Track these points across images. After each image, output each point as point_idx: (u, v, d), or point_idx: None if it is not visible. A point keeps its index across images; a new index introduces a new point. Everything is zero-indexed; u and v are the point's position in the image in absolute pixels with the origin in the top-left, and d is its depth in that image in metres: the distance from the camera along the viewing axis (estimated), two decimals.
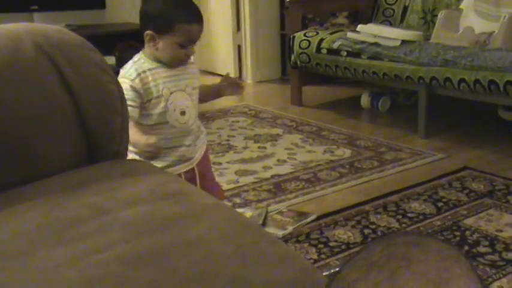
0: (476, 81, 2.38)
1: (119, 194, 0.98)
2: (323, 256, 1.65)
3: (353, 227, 1.83)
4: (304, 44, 3.29)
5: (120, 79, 1.41)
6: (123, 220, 0.87)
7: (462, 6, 2.91)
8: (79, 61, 1.17)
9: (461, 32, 2.77)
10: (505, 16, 2.58)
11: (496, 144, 2.65)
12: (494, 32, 2.61)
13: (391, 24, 3.44)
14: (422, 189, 2.12)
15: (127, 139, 1.23)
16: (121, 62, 3.28)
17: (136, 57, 1.52)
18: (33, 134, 1.09)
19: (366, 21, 3.45)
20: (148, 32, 1.47)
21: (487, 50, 2.47)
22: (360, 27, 3.08)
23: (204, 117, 3.35)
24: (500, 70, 2.29)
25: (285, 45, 3.96)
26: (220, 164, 2.51)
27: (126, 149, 1.26)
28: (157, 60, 1.50)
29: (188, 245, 0.80)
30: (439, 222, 1.85)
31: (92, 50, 1.20)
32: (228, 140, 2.86)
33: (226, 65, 4.60)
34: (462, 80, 2.44)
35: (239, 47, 4.50)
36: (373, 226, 1.83)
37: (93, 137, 1.18)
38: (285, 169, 2.41)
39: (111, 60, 3.20)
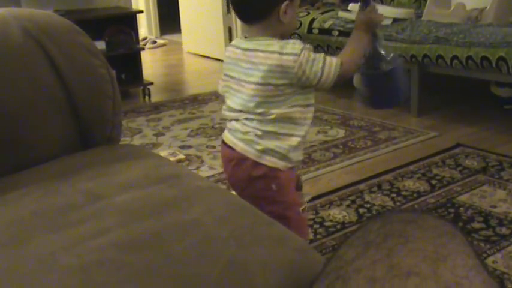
0: (469, 57, 2.38)
1: (113, 179, 0.97)
2: (319, 236, 1.66)
3: (348, 206, 1.84)
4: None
5: (305, 50, 1.19)
6: (118, 205, 0.87)
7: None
8: (68, 45, 1.15)
9: (453, 9, 2.76)
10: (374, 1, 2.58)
11: (489, 120, 2.66)
12: (486, 7, 2.60)
13: (382, 3, 3.42)
14: (416, 167, 2.13)
15: (119, 123, 1.22)
16: (111, 46, 3.26)
17: (279, 42, 1.21)
18: (23, 120, 1.08)
19: (357, 0, 3.42)
20: (286, 2, 1.20)
21: (479, 26, 2.46)
22: (351, 6, 3.06)
23: (197, 100, 3.34)
24: (493, 46, 2.29)
25: None
26: (213, 146, 2.50)
27: (119, 133, 1.25)
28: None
29: (184, 228, 0.80)
30: (433, 200, 1.86)
31: (81, 34, 1.18)
32: (220, 123, 2.85)
33: (216, 48, 4.57)
34: (455, 57, 2.43)
35: (230, 28, 4.46)
36: (368, 205, 1.84)
37: (84, 122, 1.16)
38: None
39: (101, 45, 3.16)
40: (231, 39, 4.46)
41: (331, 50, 3.09)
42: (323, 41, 3.11)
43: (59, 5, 3.38)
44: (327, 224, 1.73)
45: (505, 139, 2.40)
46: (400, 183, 1.99)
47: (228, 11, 4.42)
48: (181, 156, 2.37)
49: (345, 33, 2.97)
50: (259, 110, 1.21)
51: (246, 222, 0.83)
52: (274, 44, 1.20)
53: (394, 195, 1.91)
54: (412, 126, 2.61)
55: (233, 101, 1.27)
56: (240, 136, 1.24)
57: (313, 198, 1.91)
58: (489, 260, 1.48)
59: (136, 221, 0.82)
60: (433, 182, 1.99)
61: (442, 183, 1.97)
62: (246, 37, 1.27)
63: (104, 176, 0.99)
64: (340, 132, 2.61)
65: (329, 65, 1.20)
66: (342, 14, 3.08)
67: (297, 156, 1.27)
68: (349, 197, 1.91)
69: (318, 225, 1.72)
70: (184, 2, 4.96)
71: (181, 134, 2.72)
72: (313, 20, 3.18)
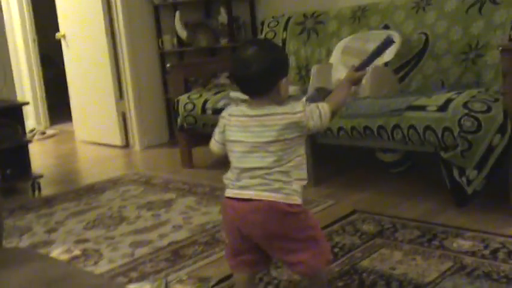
0: (353, 128, 2.54)
1: None
2: None
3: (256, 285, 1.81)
4: (189, 107, 3.32)
5: (306, 106, 1.49)
6: None
7: (331, 60, 3.13)
8: None
9: (334, 84, 2.96)
10: (368, 68, 2.81)
11: (379, 185, 2.82)
12: (362, 82, 2.83)
13: None
14: None
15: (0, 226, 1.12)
16: None
17: (284, 108, 1.47)
18: None
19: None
20: (284, 79, 1.48)
21: (358, 99, 2.65)
22: None
23: (93, 189, 3.20)
24: (372, 116, 2.47)
25: (170, 109, 3.96)
26: (113, 237, 2.38)
27: (1, 237, 1.14)
28: None
29: None
30: (337, 268, 1.88)
31: None
32: (119, 212, 2.74)
33: (111, 134, 4.49)
34: (341, 128, 2.58)
35: (123, 114, 4.42)
36: (276, 281, 1.82)
37: None
38: (181, 235, 2.35)
39: None
40: (125, 125, 4.41)
41: None
42: (217, 120, 3.16)
43: None
44: None
45: (395, 201, 2.54)
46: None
47: (121, 97, 4.40)
48: (77, 252, 2.22)
49: None
50: (278, 163, 1.44)
51: None
52: (283, 108, 1.46)
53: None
54: (311, 196, 2.69)
55: (245, 162, 1.46)
56: (263, 188, 1.44)
57: (220, 281, 1.86)
58: None
59: None
60: (336, 250, 2.03)
61: (343, 251, 2.02)
62: (246, 106, 1.48)
63: None
64: None
65: (324, 114, 1.50)
66: (233, 93, 3.19)
67: None
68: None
69: None
70: (74, 90, 4.87)
71: (77, 227, 2.57)
72: (206, 101, 3.25)
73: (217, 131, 1.56)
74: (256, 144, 1.44)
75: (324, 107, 1.50)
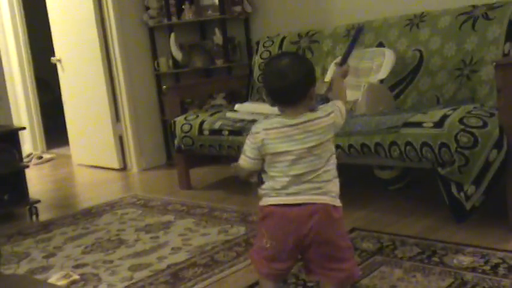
0: (350, 145, 2.54)
1: None
2: None
3: None
4: (186, 128, 3.32)
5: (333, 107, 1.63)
6: None
7: (326, 79, 3.15)
8: None
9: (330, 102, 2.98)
10: (364, 85, 2.84)
11: (377, 202, 2.82)
12: (358, 99, 2.85)
13: (266, 101, 3.61)
14: None
15: None
16: None
17: (317, 113, 1.57)
18: None
19: (243, 100, 3.59)
20: (313, 88, 1.56)
21: (354, 117, 2.67)
22: (237, 106, 3.19)
23: (90, 213, 3.19)
24: (369, 133, 2.48)
25: (167, 131, 3.97)
26: (111, 261, 2.36)
27: None
28: None
29: None
30: None
31: None
32: (117, 235, 2.73)
33: (108, 157, 4.48)
34: (338, 146, 2.59)
35: (120, 136, 4.42)
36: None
37: None
38: (180, 257, 2.33)
39: None
40: (122, 148, 4.41)
41: (223, 149, 3.16)
42: (215, 141, 3.17)
43: None
44: None
45: (394, 218, 2.54)
46: (303, 274, 1.99)
47: (118, 120, 4.41)
48: (75, 277, 2.19)
49: (235, 132, 3.07)
50: (323, 164, 1.55)
51: None
52: (316, 113, 1.56)
53: (300, 287, 1.91)
54: None
55: (295, 169, 1.53)
56: (314, 192, 1.53)
57: None
58: None
59: None
60: None
61: None
62: (283, 117, 1.56)
63: None
64: (241, 230, 2.60)
65: (343, 109, 1.62)
66: (229, 114, 3.20)
67: None
68: None
69: None
70: (71, 114, 4.88)
71: (75, 252, 2.55)
72: (202, 122, 3.26)
73: (248, 148, 1.60)
74: (302, 150, 1.52)
75: (339, 104, 1.63)
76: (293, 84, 1.52)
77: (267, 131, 1.55)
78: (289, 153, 1.53)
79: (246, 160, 1.61)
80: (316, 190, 1.53)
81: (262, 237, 1.58)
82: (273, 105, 1.59)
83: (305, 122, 1.54)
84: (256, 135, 1.56)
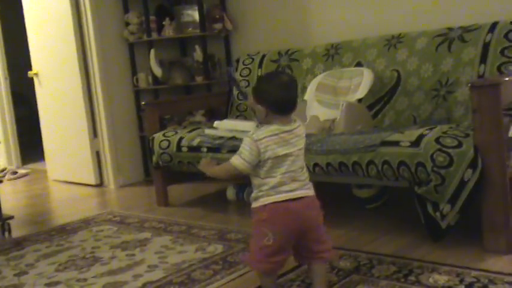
0: (328, 164, 2.55)
1: None
2: None
3: None
4: (164, 144, 3.30)
5: None
6: None
7: (305, 97, 3.17)
8: None
9: (308, 121, 3.00)
10: (342, 104, 2.86)
11: (355, 221, 2.82)
12: (336, 118, 2.87)
13: (245, 118, 3.62)
14: (295, 274, 2.14)
15: None
16: None
17: (298, 121, 1.85)
18: None
19: (222, 117, 3.59)
20: None
21: (332, 135, 2.68)
22: (216, 123, 3.18)
23: (65, 230, 3.13)
24: (347, 152, 2.49)
25: (145, 147, 3.93)
26: (85, 279, 2.31)
27: None
28: None
29: None
30: None
31: None
32: (92, 252, 2.67)
33: (84, 172, 4.42)
34: (316, 165, 2.59)
35: (97, 152, 4.37)
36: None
37: None
38: (156, 275, 2.30)
39: None
40: (99, 164, 4.36)
41: None
42: (193, 158, 3.16)
43: None
44: None
45: (372, 237, 2.54)
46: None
47: (95, 135, 4.36)
48: None
49: (214, 149, 3.05)
50: (303, 163, 1.84)
51: None
52: (298, 121, 1.84)
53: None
54: None
55: (292, 166, 1.77)
56: (306, 186, 1.82)
57: None
58: None
59: None
60: None
61: None
62: (279, 125, 1.77)
63: None
64: (219, 248, 2.57)
65: None
66: (208, 131, 3.19)
67: None
68: None
69: None
70: (47, 129, 4.81)
71: (48, 269, 2.49)
72: (181, 138, 3.25)
73: (248, 153, 1.76)
74: (295, 152, 1.78)
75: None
76: (296, 97, 1.81)
77: (268, 137, 1.75)
78: (287, 156, 1.76)
79: (243, 164, 1.77)
80: (305, 185, 1.80)
81: (263, 236, 1.76)
82: (265, 116, 1.78)
83: (295, 128, 1.79)
84: (258, 142, 1.75)
